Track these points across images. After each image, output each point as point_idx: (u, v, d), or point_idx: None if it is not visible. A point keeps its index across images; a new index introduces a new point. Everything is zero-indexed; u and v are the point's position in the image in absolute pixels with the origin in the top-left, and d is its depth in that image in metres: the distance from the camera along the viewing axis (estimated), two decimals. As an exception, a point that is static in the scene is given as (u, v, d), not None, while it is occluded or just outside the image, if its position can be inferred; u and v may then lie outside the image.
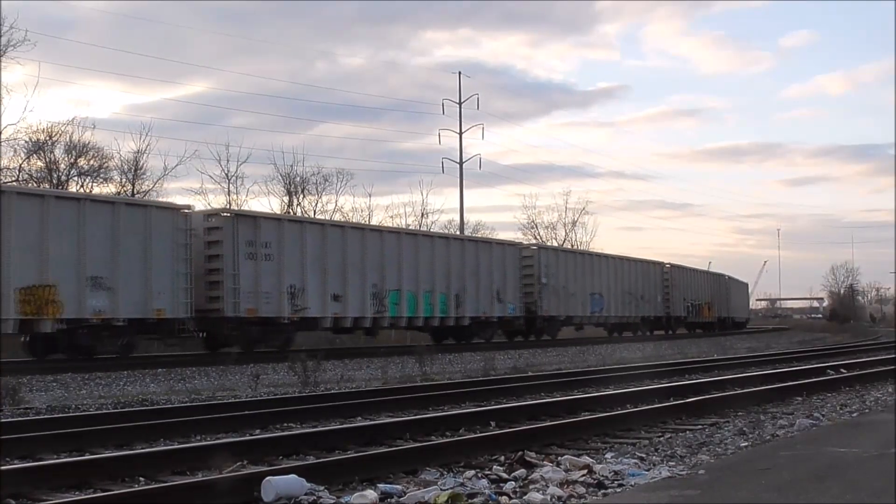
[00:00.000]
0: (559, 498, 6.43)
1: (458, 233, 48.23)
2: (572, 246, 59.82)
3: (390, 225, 44.57)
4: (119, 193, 37.10)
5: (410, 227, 45.08)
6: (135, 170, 39.82)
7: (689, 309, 51.00)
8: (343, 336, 30.66)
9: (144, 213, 21.91)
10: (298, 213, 43.71)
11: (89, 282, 20.38)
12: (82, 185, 37.29)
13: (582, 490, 6.66)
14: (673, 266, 50.17)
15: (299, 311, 25.35)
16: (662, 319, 47.94)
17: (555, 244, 59.88)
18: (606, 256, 43.31)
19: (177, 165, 41.89)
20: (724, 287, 60.17)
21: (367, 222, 45.05)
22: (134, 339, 22.17)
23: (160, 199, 33.80)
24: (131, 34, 75.28)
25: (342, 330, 28.39)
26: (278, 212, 41.72)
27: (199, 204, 38.46)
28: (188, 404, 12.64)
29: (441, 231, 49.10)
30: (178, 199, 40.07)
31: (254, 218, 25.31)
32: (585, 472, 7.16)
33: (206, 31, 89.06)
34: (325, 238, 26.46)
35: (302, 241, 25.68)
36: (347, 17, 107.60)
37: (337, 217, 46.02)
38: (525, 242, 42.51)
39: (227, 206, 39.45)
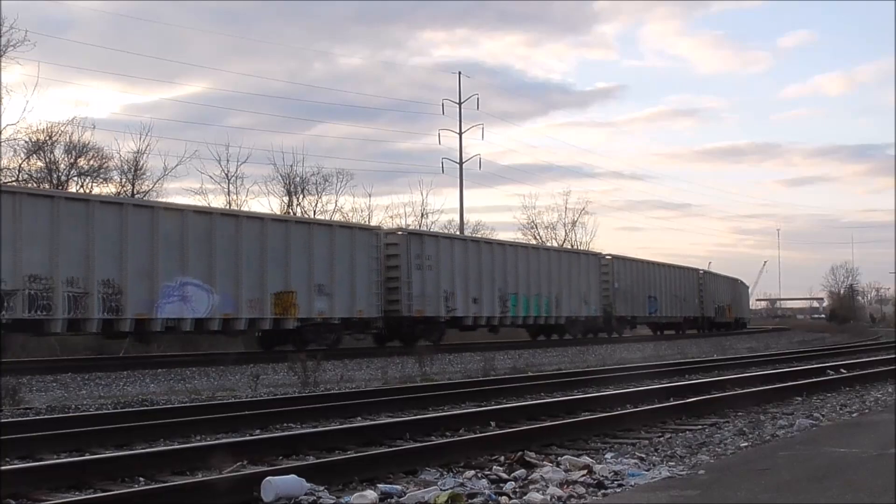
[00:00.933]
0: (559, 498, 6.44)
1: (464, 233, 48.52)
2: (572, 246, 59.89)
3: (499, 239, 47.32)
4: (119, 194, 37.13)
5: (525, 241, 51.36)
6: (135, 170, 39.86)
7: (716, 310, 56.10)
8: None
9: (351, 234, 27.59)
10: (298, 214, 43.75)
11: (315, 289, 25.63)
12: (82, 186, 37.31)
13: (582, 490, 6.66)
14: (706, 272, 56.26)
15: (450, 311, 30.69)
16: (698, 320, 52.82)
17: (555, 244, 59.98)
18: (658, 264, 47.76)
19: (177, 165, 41.74)
20: (738, 290, 64.63)
21: (488, 236, 49.48)
22: (341, 334, 27.33)
23: (361, 222, 42.60)
24: (128, 34, 75.22)
25: (476, 327, 33.54)
26: (279, 212, 42.02)
27: (200, 203, 38.50)
28: (188, 404, 12.63)
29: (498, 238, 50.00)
30: (179, 199, 40.23)
31: (420, 236, 31.18)
32: (585, 472, 7.16)
33: (203, 31, 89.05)
34: (467, 251, 31.98)
35: (451, 254, 31.00)
36: (344, 17, 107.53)
37: (337, 217, 46.15)
38: (603, 253, 45.85)
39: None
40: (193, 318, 22.42)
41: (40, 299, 19.42)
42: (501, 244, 35.99)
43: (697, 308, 52.59)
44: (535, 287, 35.21)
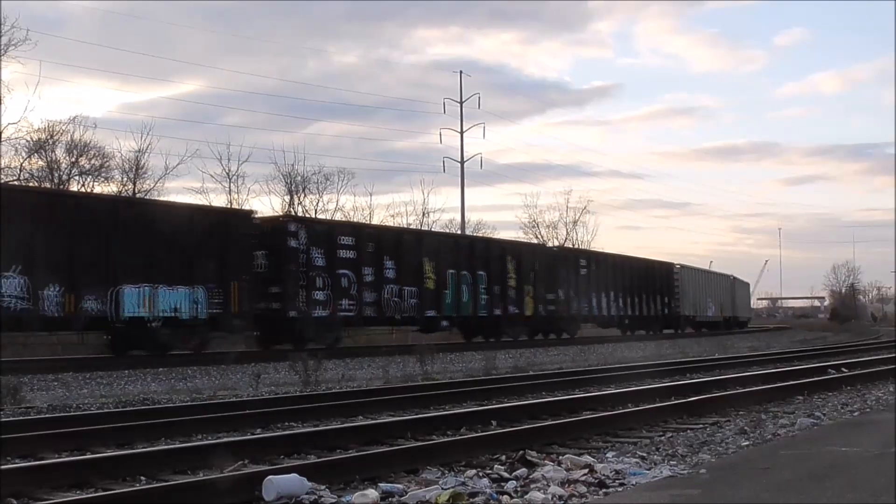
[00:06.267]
0: (560, 497, 6.43)
1: (459, 231, 48.54)
2: (573, 245, 59.87)
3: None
4: (120, 193, 37.16)
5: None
6: (136, 169, 39.87)
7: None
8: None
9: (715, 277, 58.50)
10: (300, 213, 43.75)
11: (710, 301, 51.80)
12: (83, 185, 37.33)
13: (583, 489, 6.66)
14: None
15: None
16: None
17: (556, 243, 59.98)
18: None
19: (178, 164, 41.76)
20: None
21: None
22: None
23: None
24: (119, 32, 74.99)
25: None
26: (280, 211, 42.09)
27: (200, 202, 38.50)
28: (189, 403, 12.65)
29: (443, 230, 49.62)
30: (180, 198, 40.21)
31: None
32: (587, 471, 7.16)
33: (196, 28, 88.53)
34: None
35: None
36: (337, 15, 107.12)
37: (339, 216, 46.18)
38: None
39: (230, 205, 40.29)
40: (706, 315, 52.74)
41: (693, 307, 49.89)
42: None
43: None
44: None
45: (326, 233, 26.93)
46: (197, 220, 23.33)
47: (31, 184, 33.79)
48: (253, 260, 24.19)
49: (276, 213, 35.52)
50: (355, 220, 46.07)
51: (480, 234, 47.21)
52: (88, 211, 21.11)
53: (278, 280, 25.03)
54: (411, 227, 48.56)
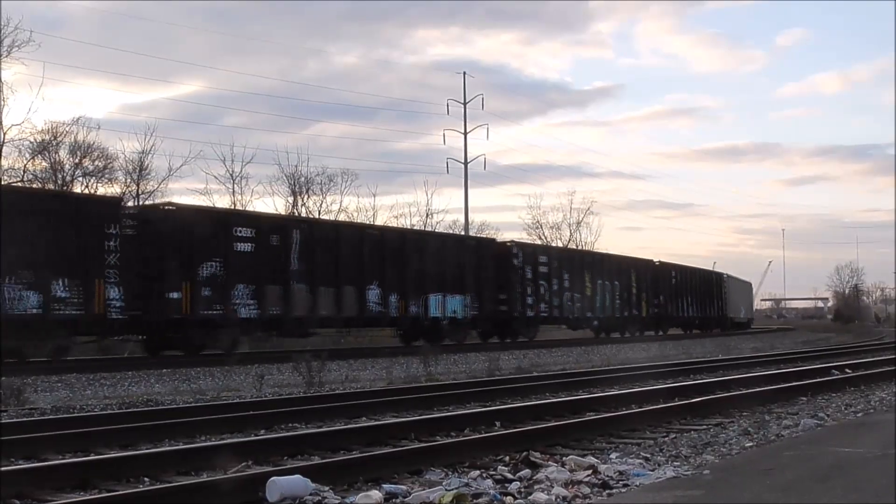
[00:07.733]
0: (564, 498, 6.43)
1: (462, 233, 48.65)
2: (576, 246, 59.94)
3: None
4: (124, 193, 37.23)
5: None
6: (139, 170, 39.91)
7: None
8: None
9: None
10: (303, 214, 43.85)
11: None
12: (87, 186, 37.36)
13: (587, 490, 6.66)
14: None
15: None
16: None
17: (559, 244, 60.06)
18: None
19: (181, 165, 41.76)
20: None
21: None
22: None
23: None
24: (120, 32, 74.91)
25: None
26: (283, 212, 42.24)
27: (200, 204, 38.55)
28: (193, 405, 12.65)
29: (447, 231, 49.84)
30: (183, 200, 40.24)
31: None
32: (590, 472, 7.16)
33: (196, 28, 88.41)
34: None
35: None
36: (337, 15, 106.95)
37: (342, 217, 46.28)
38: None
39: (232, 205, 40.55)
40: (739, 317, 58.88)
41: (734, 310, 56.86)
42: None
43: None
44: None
45: (532, 253, 35.81)
46: (465, 247, 32.34)
47: (34, 185, 33.81)
48: (492, 274, 32.14)
49: (504, 241, 39.98)
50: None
51: (603, 251, 52.58)
52: (413, 241, 29.93)
53: (504, 289, 33.04)
54: (527, 240, 55.18)
